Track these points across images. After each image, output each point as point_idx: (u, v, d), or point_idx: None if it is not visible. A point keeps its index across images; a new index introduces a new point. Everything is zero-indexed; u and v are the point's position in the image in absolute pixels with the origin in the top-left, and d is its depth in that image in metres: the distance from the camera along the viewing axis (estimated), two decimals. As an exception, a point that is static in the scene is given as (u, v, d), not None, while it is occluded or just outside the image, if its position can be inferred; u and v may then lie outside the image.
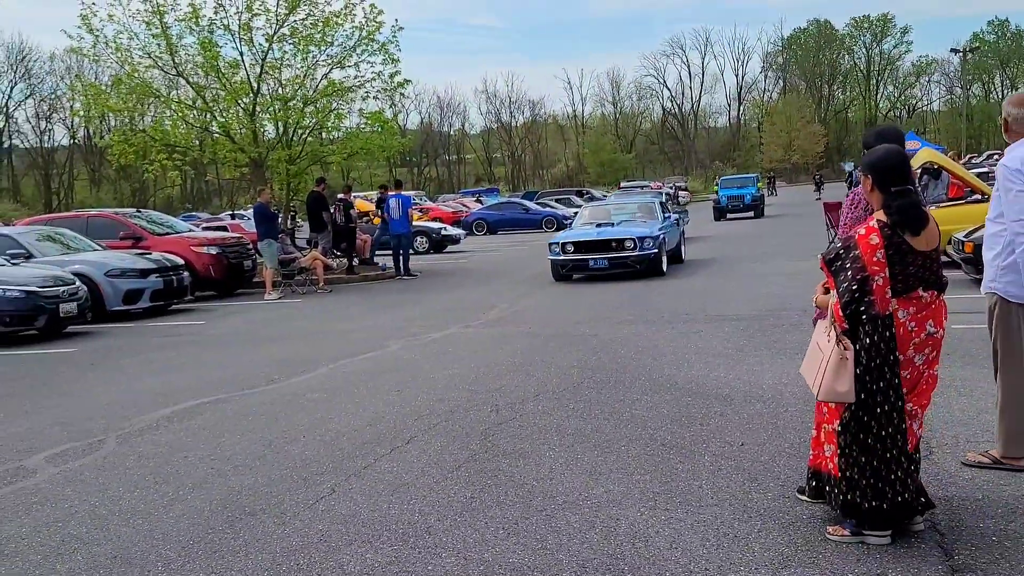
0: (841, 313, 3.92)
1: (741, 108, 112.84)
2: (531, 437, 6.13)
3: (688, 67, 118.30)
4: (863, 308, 3.89)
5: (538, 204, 43.39)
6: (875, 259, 3.88)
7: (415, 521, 4.67)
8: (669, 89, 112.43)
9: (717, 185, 43.76)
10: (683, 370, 8.08)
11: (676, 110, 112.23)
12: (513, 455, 5.74)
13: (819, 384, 3.99)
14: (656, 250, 16.41)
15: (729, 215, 38.96)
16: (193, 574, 4.16)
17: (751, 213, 38.63)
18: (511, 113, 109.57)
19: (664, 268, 16.97)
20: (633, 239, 16.44)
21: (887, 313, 3.90)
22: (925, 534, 4.07)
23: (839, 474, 4.04)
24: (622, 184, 61.20)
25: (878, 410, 3.96)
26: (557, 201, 45.79)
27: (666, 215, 18.87)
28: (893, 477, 3.97)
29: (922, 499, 4.09)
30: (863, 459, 3.98)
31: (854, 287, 3.89)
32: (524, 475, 5.32)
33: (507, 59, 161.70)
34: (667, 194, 31.74)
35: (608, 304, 13.17)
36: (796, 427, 5.90)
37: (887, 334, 3.91)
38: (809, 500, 4.46)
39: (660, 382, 7.63)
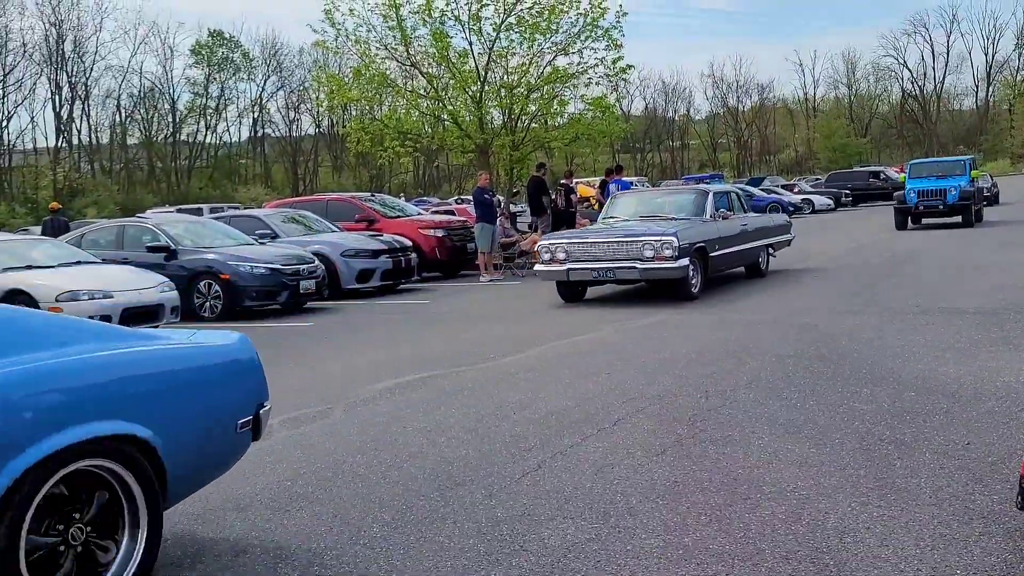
0: None
1: (990, 89, 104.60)
2: (740, 425, 6.03)
3: (931, 46, 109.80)
4: None
5: (762, 191, 42.17)
6: None
7: (617, 501, 4.71)
8: (910, 70, 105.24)
9: (904, 175, 27.07)
10: (908, 364, 7.66)
11: (917, 92, 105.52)
12: (720, 442, 5.67)
13: None
14: None
15: (923, 220, 25.31)
16: (405, 537, 4.39)
17: (957, 218, 24.67)
18: (738, 97, 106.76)
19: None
20: None
21: None
22: None
23: None
24: (855, 168, 57.33)
25: None
26: (783, 187, 44.42)
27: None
28: None
29: None
30: None
31: None
32: (731, 463, 5.25)
33: (735, 41, 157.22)
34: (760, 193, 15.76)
35: (829, 294, 12.66)
36: (1032, 429, 5.48)
37: None
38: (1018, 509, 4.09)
39: (882, 375, 7.27)
